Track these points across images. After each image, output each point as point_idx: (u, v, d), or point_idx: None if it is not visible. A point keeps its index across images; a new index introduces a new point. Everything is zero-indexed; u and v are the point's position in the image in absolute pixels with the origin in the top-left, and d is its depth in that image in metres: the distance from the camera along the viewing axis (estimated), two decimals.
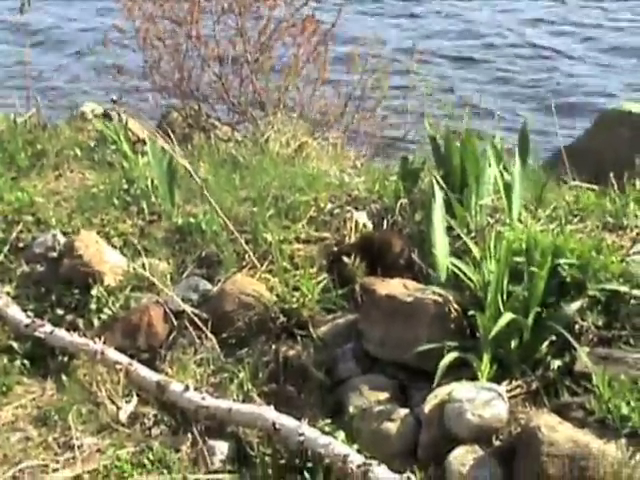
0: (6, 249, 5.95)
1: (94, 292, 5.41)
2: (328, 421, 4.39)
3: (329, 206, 5.94)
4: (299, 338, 4.88)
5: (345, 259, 5.07)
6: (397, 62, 9.73)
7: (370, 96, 8.75)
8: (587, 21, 15.08)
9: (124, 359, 4.92)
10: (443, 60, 13.19)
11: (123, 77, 8.96)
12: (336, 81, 8.95)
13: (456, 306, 4.61)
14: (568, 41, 14.32)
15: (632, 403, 3.91)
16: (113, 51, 9.22)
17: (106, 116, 8.06)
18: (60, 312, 5.44)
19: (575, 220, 5.43)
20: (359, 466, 3.92)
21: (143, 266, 5.54)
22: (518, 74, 12.96)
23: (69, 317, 5.40)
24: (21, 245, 6.04)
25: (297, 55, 8.54)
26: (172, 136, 6.64)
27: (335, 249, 5.40)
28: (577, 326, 4.43)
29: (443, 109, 7.14)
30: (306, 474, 4.06)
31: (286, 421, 4.28)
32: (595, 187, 6.00)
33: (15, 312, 5.42)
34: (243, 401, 4.61)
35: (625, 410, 3.89)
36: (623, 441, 3.81)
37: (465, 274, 4.67)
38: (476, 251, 4.85)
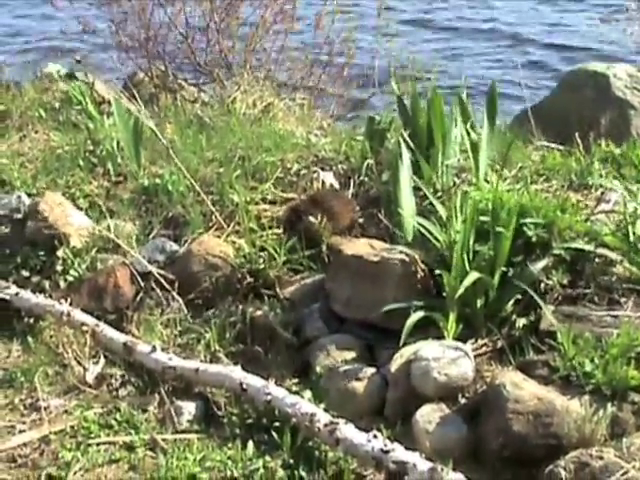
0: None
1: (60, 254, 5.37)
2: (295, 381, 4.42)
3: (296, 167, 5.92)
4: (266, 298, 4.88)
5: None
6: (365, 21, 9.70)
7: (339, 51, 8.72)
8: None
9: (91, 320, 4.89)
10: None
11: (90, 37, 8.88)
12: (304, 44, 8.91)
13: (422, 266, 4.62)
14: None
15: (596, 360, 3.94)
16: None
17: (71, 77, 7.97)
18: (25, 274, 5.40)
19: (541, 180, 5.45)
20: (326, 425, 3.92)
21: (109, 227, 5.51)
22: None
23: (35, 279, 5.36)
24: None
25: (264, 15, 8.50)
26: (138, 97, 6.59)
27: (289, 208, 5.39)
28: (542, 285, 4.46)
29: (412, 70, 7.12)
30: (273, 433, 4.06)
31: (253, 381, 4.27)
32: (561, 147, 6.03)
33: None
34: (210, 361, 4.61)
35: (589, 367, 3.92)
36: (587, 397, 3.84)
37: (431, 234, 4.68)
38: (442, 211, 4.86)
